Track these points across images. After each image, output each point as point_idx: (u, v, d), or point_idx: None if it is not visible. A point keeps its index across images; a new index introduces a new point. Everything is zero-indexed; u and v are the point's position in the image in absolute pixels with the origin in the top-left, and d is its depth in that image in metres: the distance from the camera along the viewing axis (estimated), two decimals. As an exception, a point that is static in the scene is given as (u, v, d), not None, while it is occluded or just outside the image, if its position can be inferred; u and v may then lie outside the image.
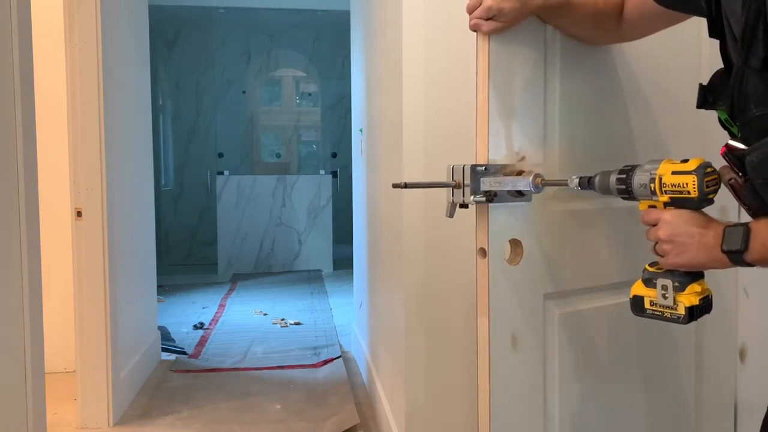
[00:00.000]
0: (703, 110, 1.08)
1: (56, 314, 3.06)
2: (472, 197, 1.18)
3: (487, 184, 1.19)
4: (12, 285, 1.53)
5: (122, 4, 3.00)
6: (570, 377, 1.37)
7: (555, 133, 1.32)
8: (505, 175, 1.21)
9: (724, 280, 1.69)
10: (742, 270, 1.01)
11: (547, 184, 1.19)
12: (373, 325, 2.99)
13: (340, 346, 3.87)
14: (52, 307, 2.70)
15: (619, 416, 1.48)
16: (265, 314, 4.80)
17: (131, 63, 3.17)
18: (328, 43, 7.65)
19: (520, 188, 1.18)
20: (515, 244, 1.26)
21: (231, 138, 7.70)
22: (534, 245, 1.29)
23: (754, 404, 1.10)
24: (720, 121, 1.04)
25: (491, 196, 1.20)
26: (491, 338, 1.23)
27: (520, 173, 1.23)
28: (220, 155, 7.64)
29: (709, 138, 1.31)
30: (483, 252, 1.22)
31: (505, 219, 1.24)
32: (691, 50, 1.55)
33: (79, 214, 2.65)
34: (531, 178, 1.16)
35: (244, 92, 7.77)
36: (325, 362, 3.55)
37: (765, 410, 1.05)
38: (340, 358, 3.58)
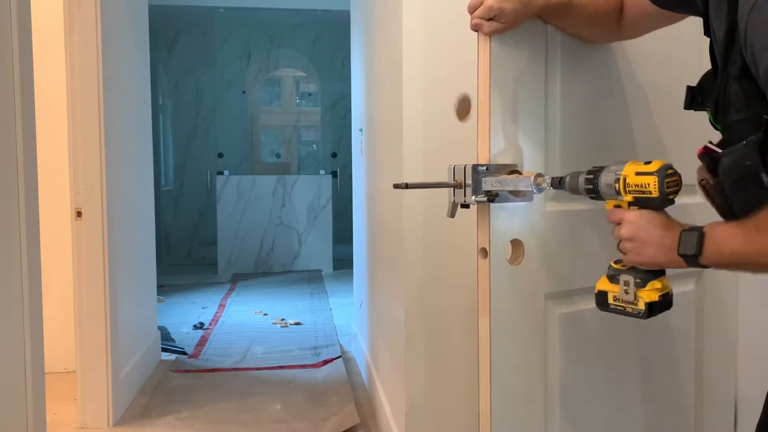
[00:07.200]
0: (703, 110, 1.08)
1: (56, 314, 3.06)
2: (473, 197, 1.19)
3: (488, 184, 1.19)
4: (12, 285, 1.53)
5: (122, 4, 2.99)
6: (570, 377, 1.37)
7: (556, 133, 1.32)
8: (507, 174, 1.21)
9: (723, 281, 1.69)
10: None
11: (547, 184, 1.19)
12: (373, 325, 2.99)
13: (340, 346, 3.86)
14: (52, 307, 2.70)
15: (620, 416, 1.48)
16: (265, 314, 4.80)
17: (131, 63, 3.17)
18: (328, 43, 7.65)
19: (522, 188, 1.18)
20: (516, 244, 1.26)
21: (231, 138, 7.70)
22: (535, 245, 1.29)
23: (754, 404, 1.10)
24: (710, 121, 1.05)
25: (492, 196, 1.20)
26: (492, 338, 1.23)
27: (521, 173, 1.23)
28: (220, 155, 7.64)
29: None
30: (484, 252, 1.22)
31: (507, 219, 1.24)
32: (691, 50, 1.55)
33: (79, 214, 2.64)
34: (532, 178, 1.16)
35: (244, 92, 7.77)
36: (325, 362, 3.55)
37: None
38: (340, 358, 3.58)
